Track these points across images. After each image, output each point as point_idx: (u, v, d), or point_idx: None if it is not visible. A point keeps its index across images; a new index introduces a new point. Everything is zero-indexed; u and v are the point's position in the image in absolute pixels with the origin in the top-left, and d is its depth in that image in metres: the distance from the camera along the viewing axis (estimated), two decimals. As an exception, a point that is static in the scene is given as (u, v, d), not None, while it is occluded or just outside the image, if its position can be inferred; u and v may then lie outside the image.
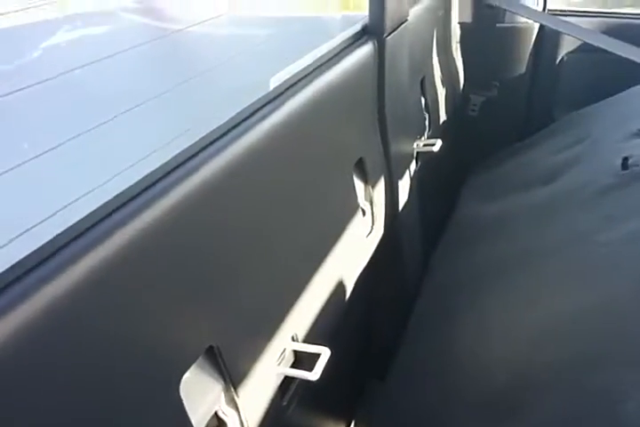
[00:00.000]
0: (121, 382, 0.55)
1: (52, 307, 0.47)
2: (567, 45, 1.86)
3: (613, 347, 0.85)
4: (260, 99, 0.80)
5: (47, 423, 0.48)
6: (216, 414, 0.71)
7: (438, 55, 1.69)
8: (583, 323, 0.93)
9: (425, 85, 1.53)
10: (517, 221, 1.36)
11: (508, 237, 1.32)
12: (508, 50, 1.92)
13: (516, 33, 1.88)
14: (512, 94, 1.95)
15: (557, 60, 1.89)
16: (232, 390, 0.71)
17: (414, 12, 1.31)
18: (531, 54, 1.89)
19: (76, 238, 0.51)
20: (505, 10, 1.81)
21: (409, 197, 1.35)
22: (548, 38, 1.86)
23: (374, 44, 1.09)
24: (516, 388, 0.92)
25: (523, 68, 1.92)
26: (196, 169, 0.64)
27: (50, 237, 0.50)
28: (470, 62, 1.93)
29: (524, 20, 1.82)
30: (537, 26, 1.85)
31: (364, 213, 1.13)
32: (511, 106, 1.98)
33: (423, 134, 1.53)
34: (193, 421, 0.63)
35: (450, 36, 1.82)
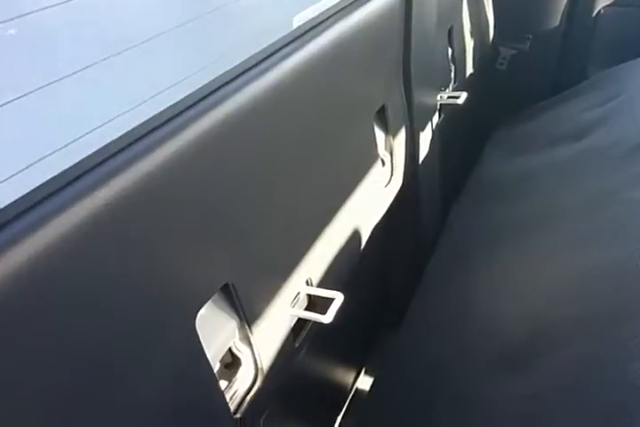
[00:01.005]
0: (138, 316, 0.56)
1: (69, 236, 0.48)
2: None
3: (634, 303, 0.84)
4: (281, 38, 0.78)
5: (67, 357, 0.49)
6: (230, 350, 0.73)
7: (469, 4, 1.62)
8: (604, 280, 0.92)
9: (453, 35, 1.48)
10: (542, 179, 1.34)
11: (532, 194, 1.30)
12: (543, 1, 1.84)
13: None
14: (544, 48, 1.88)
15: (594, 14, 1.81)
16: (246, 327, 0.73)
17: None
18: (566, 6, 1.81)
19: (95, 167, 0.51)
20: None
21: (430, 149, 1.33)
22: None
23: None
24: (531, 342, 0.92)
25: (557, 21, 1.84)
26: (215, 105, 0.63)
27: (69, 164, 0.50)
28: (502, 13, 1.85)
29: (562, -32, 1.74)
30: None
31: (383, 163, 1.12)
32: (542, 60, 1.91)
33: (448, 86, 1.49)
34: (208, 355, 0.65)
35: (482, -15, 1.75)
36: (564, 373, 0.85)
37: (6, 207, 0.46)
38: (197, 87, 0.63)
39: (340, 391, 1.35)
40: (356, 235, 1.01)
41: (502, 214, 1.29)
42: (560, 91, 1.75)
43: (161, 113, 0.59)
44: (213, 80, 0.66)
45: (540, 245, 1.12)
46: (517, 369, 0.91)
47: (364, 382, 1.43)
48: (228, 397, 0.71)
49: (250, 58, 0.72)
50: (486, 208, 1.38)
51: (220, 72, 0.64)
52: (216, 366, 0.70)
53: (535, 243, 1.13)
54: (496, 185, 1.46)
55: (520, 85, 1.92)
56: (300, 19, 0.81)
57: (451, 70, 1.52)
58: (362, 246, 1.05)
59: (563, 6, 1.81)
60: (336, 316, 0.83)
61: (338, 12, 0.90)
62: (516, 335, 0.96)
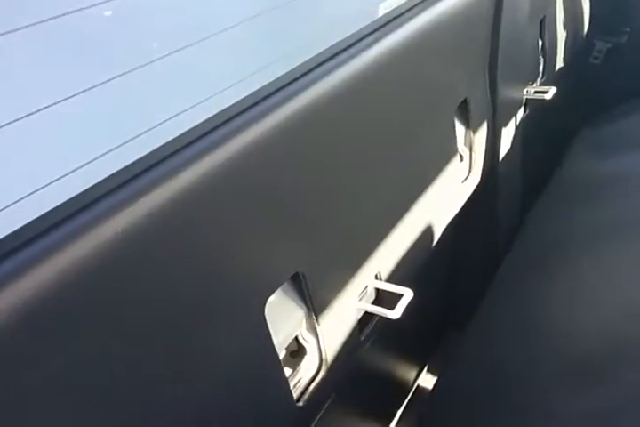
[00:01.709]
0: (210, 301, 0.57)
1: (143, 225, 0.48)
2: None
3: None
4: (365, 27, 0.77)
5: (138, 341, 0.50)
6: (296, 338, 0.74)
7: None
8: None
9: (544, 26, 1.41)
10: (631, 184, 1.26)
11: (618, 200, 1.23)
12: None
13: None
14: None
15: None
16: (313, 317, 0.73)
17: None
18: None
19: (166, 159, 0.51)
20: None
21: (512, 145, 1.27)
22: None
23: None
24: (607, 356, 0.88)
25: None
26: (293, 95, 0.63)
27: (142, 154, 0.50)
28: (598, 4, 1.74)
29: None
30: None
31: (461, 158, 1.09)
32: None
33: (535, 80, 1.42)
34: (275, 342, 0.66)
35: (580, -26, 1.65)
36: (633, 394, 0.80)
37: (77, 196, 0.47)
38: (277, 76, 0.62)
39: (401, 387, 1.34)
40: (428, 230, 0.99)
41: (584, 219, 1.23)
42: (659, 89, 1.63)
43: (239, 102, 0.59)
44: (294, 69, 0.66)
45: (623, 254, 1.06)
46: (591, 383, 0.87)
47: (426, 380, 1.41)
48: (291, 384, 0.72)
49: (333, 46, 0.71)
50: (567, 211, 1.32)
51: (301, 61, 0.64)
52: (282, 354, 0.70)
53: (617, 252, 1.07)
54: (580, 187, 1.38)
55: (614, 82, 1.80)
56: (387, 6, 0.79)
57: (540, 63, 1.45)
58: (434, 243, 1.03)
59: None
60: (403, 311, 0.81)
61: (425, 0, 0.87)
62: (591, 348, 0.91)
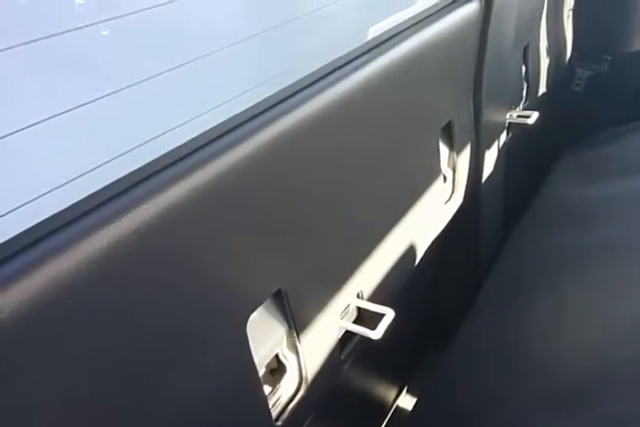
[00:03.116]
0: (191, 317, 0.56)
1: (126, 241, 0.48)
2: None
3: None
4: (354, 50, 0.78)
5: (118, 358, 0.50)
6: (277, 356, 0.73)
7: (547, 22, 1.58)
8: None
9: (528, 53, 1.45)
10: (612, 209, 1.28)
11: (599, 224, 1.25)
12: (625, 22, 1.77)
13: (636, 4, 1.72)
14: (624, 71, 1.80)
15: None
16: (295, 335, 0.72)
17: None
18: None
19: (155, 174, 0.51)
20: (629, -23, 1.66)
21: (495, 168, 1.29)
22: None
23: (481, 2, 1.03)
24: (588, 381, 0.88)
25: (638, 44, 1.77)
26: (279, 116, 0.63)
27: (126, 172, 0.50)
28: (581, 33, 1.79)
29: (649, -11, 1.67)
30: None
31: (445, 179, 1.10)
32: (621, 84, 1.83)
33: (519, 105, 1.46)
34: (255, 359, 0.65)
35: (562, 3, 1.70)
36: (627, 415, 0.80)
37: (61, 211, 0.47)
38: (263, 97, 0.63)
39: (380, 407, 1.33)
40: (411, 251, 1.00)
41: (566, 243, 1.24)
42: (636, 118, 1.67)
43: (221, 124, 0.59)
44: (281, 90, 0.66)
45: (605, 279, 1.07)
46: (576, 408, 0.87)
47: (406, 401, 1.40)
48: (270, 403, 0.71)
49: (321, 68, 0.72)
50: (549, 234, 1.33)
51: (290, 82, 0.64)
52: (261, 371, 0.70)
53: (599, 276, 1.08)
54: (561, 211, 1.40)
55: (595, 109, 1.85)
56: (377, 29, 0.81)
57: (523, 89, 1.48)
58: (416, 263, 1.03)
59: None
60: (384, 331, 0.81)
61: (414, 24, 0.89)
62: (576, 373, 0.91)
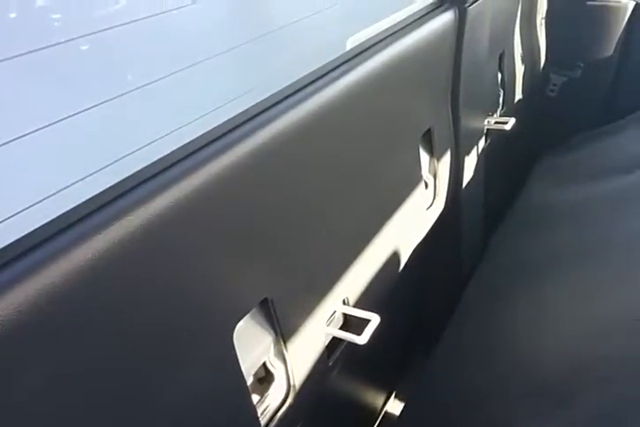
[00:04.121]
0: (178, 326, 0.57)
1: (111, 251, 0.48)
2: None
3: None
4: (333, 60, 0.80)
5: (106, 367, 0.50)
6: (264, 364, 0.74)
7: (521, 30, 1.62)
8: None
9: (503, 61, 1.48)
10: (589, 211, 1.31)
11: (577, 226, 1.28)
12: (597, 29, 1.81)
13: (607, 11, 1.77)
14: (597, 77, 1.85)
15: None
16: (282, 343, 0.73)
17: None
18: (621, 35, 1.78)
19: (141, 184, 0.52)
20: (598, -15, 1.70)
21: (474, 173, 1.32)
22: None
23: (455, 12, 1.06)
24: (569, 380, 0.90)
25: (611, 50, 1.81)
26: (260, 127, 0.64)
27: (111, 183, 0.51)
28: (554, 40, 1.83)
29: (618, -3, 1.71)
30: (632, 5, 1.73)
31: (426, 186, 1.12)
32: (595, 89, 1.88)
33: (496, 111, 1.48)
34: (243, 368, 0.66)
35: (535, 12, 1.74)
36: (603, 412, 0.82)
37: (52, 220, 0.47)
38: (245, 107, 0.64)
39: (369, 413, 1.33)
40: (394, 257, 1.01)
41: (545, 245, 1.27)
42: (612, 120, 1.71)
43: (205, 134, 0.60)
44: (262, 100, 0.67)
45: (584, 279, 1.09)
46: (554, 406, 0.88)
47: (394, 406, 1.41)
48: (259, 411, 0.71)
49: (300, 79, 0.74)
50: (528, 237, 1.36)
51: (269, 93, 0.66)
52: (249, 380, 0.70)
53: (578, 277, 1.10)
54: (540, 214, 1.43)
55: (570, 113, 1.89)
56: (354, 40, 0.83)
57: (499, 96, 1.51)
58: (400, 269, 1.05)
59: (618, 35, 1.79)
60: (370, 337, 0.82)
61: (391, 35, 0.91)
62: (554, 371, 0.93)
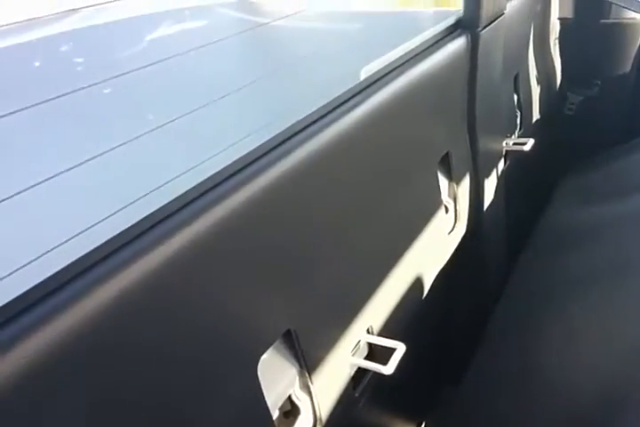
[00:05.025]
0: (202, 361, 0.57)
1: (136, 286, 0.49)
2: None
3: None
4: (349, 89, 0.80)
5: (133, 401, 0.50)
6: (290, 397, 0.73)
7: (535, 51, 1.62)
8: None
9: (519, 82, 1.48)
10: (615, 229, 1.29)
11: (604, 246, 1.25)
12: (612, 47, 1.81)
13: (622, 29, 1.77)
14: (615, 94, 1.84)
15: None
16: (307, 375, 0.72)
17: (511, 6, 1.27)
18: (637, 52, 1.78)
19: (163, 220, 0.53)
20: (611, 4, 1.70)
21: (495, 196, 1.30)
22: None
23: (468, 37, 1.06)
24: (605, 406, 0.87)
25: (627, 67, 1.80)
26: (280, 158, 0.64)
27: (137, 219, 0.51)
28: (569, 59, 1.83)
29: (631, 15, 1.71)
30: None
31: (446, 210, 1.11)
32: (613, 106, 1.86)
33: (514, 133, 1.48)
34: (268, 402, 0.65)
35: (548, 32, 1.74)
36: None
37: (73, 262, 0.48)
38: (263, 140, 0.65)
39: (398, 445, 1.30)
40: (418, 283, 1.00)
41: (572, 266, 1.24)
42: (631, 138, 1.69)
43: (225, 167, 0.60)
44: (280, 132, 0.68)
45: (615, 301, 1.06)
46: None
47: (424, 437, 1.37)
48: None
49: (319, 108, 0.74)
50: (554, 259, 1.33)
51: (286, 126, 0.67)
52: (275, 414, 0.69)
53: (609, 299, 1.08)
54: (565, 235, 1.41)
55: (589, 132, 1.87)
56: (368, 70, 0.84)
57: (517, 117, 1.51)
58: (424, 294, 1.03)
59: (634, 52, 1.78)
60: (397, 366, 0.81)
61: (405, 62, 0.92)
62: (588, 397, 0.90)
